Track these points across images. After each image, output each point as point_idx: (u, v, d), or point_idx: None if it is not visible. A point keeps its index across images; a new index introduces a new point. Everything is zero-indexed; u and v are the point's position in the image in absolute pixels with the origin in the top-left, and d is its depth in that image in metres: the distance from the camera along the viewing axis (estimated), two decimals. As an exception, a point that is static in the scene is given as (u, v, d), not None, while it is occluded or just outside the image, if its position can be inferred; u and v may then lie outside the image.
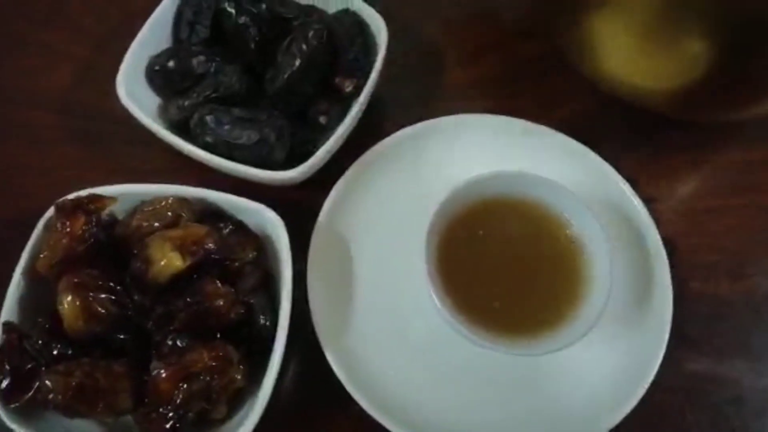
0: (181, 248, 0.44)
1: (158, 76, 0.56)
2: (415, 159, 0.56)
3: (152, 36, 0.57)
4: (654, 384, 0.47)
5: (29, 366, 0.44)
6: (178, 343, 0.44)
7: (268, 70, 0.55)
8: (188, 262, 0.44)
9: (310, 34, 0.54)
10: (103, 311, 0.43)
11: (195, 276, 0.45)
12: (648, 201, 0.54)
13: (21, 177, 0.60)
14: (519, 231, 0.50)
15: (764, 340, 0.53)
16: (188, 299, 0.44)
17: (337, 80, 0.56)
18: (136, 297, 0.45)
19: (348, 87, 0.56)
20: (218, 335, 0.45)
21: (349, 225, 0.54)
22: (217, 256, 0.46)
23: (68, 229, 0.45)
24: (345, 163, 0.55)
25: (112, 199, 0.48)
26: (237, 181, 0.53)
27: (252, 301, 0.47)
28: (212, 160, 0.52)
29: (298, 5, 0.60)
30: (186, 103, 0.54)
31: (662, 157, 0.60)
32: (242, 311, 0.46)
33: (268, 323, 0.47)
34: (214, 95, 0.54)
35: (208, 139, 0.52)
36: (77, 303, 0.43)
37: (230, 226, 0.50)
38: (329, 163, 0.54)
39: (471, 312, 0.46)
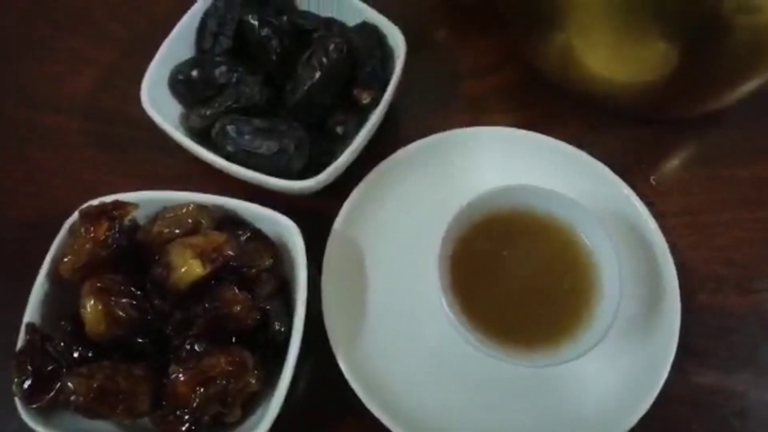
0: (202, 255, 0.44)
1: (181, 84, 0.57)
2: (430, 169, 0.56)
3: (176, 45, 0.58)
4: (661, 395, 0.48)
5: (51, 367, 0.45)
6: (196, 347, 0.45)
7: (288, 82, 0.56)
8: (208, 270, 0.44)
9: (331, 47, 0.54)
10: (124, 316, 0.44)
11: (213, 282, 0.46)
12: (659, 216, 0.54)
13: (44, 180, 0.60)
14: (531, 244, 0.50)
15: (771, 354, 0.53)
16: (207, 305, 0.45)
17: (355, 92, 0.57)
18: (156, 302, 0.45)
19: (366, 99, 0.56)
20: (234, 340, 0.46)
21: (363, 233, 0.54)
22: (235, 264, 0.46)
23: (92, 235, 0.46)
24: (361, 173, 0.55)
25: (135, 205, 0.48)
26: (253, 188, 0.53)
27: (268, 307, 0.47)
28: (232, 168, 0.52)
29: (319, 18, 0.60)
30: (208, 112, 0.55)
31: (673, 171, 0.60)
32: (258, 317, 0.46)
33: (283, 329, 0.47)
34: (235, 105, 0.55)
35: (229, 148, 0.53)
36: (99, 307, 0.43)
37: (248, 234, 0.50)
38: (345, 172, 0.54)
39: (483, 324, 0.46)
